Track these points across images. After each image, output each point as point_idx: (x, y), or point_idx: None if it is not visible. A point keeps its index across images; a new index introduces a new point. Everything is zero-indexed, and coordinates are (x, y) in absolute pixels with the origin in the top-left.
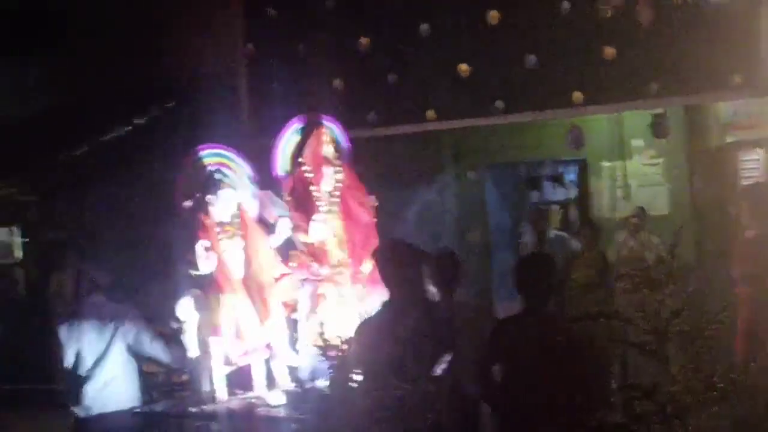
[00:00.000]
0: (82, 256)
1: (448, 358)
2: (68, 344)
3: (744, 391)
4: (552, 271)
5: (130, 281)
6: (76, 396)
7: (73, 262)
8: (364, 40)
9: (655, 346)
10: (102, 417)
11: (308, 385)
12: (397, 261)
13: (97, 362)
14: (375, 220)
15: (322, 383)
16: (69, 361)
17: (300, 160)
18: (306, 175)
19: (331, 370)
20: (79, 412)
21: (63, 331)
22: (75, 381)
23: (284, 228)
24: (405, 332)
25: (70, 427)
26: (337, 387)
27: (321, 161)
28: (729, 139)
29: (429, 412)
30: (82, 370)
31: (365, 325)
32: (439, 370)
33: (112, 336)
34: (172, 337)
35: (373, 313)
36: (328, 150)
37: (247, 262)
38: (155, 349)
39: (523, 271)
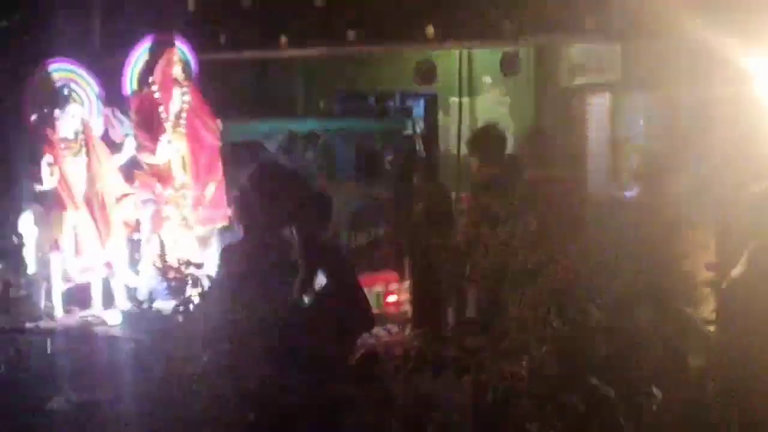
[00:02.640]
0: None
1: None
2: None
3: (580, 332)
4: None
5: None
6: None
7: None
8: None
9: (493, 283)
10: None
11: (146, 306)
12: (252, 204)
13: None
14: (220, 143)
15: (160, 304)
16: None
17: (149, 79)
18: (154, 95)
19: (169, 292)
20: None
21: None
22: None
23: (129, 147)
24: (252, 263)
25: None
26: (177, 308)
27: (170, 82)
28: (577, 81)
29: (265, 341)
30: None
31: (224, 251)
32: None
33: None
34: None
35: (233, 241)
36: (178, 71)
37: (91, 180)
38: None
39: None
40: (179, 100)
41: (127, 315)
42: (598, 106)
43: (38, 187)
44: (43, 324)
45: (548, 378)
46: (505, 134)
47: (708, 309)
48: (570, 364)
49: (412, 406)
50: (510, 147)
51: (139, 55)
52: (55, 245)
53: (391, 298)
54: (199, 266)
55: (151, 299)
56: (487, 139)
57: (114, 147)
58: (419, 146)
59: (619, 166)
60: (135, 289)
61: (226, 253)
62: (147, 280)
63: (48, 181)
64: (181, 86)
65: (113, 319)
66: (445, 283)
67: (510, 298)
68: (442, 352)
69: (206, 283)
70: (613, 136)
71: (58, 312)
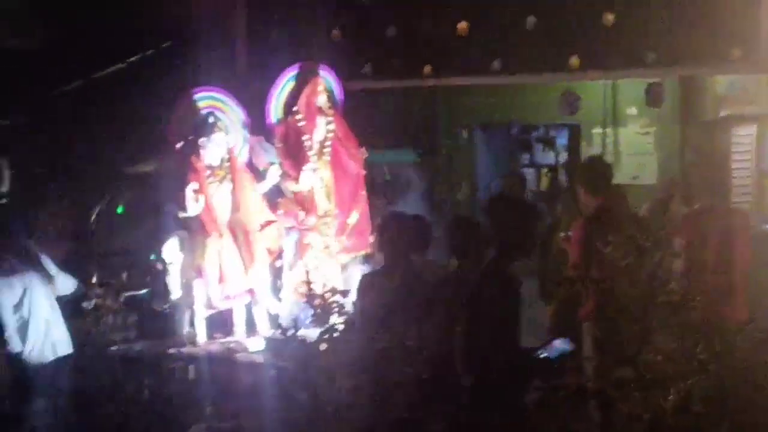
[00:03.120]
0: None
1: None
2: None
3: (725, 365)
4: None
5: (119, 220)
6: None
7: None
8: None
9: (640, 314)
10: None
11: (289, 333)
12: (393, 234)
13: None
14: (364, 172)
15: (304, 331)
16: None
17: (294, 108)
18: (299, 123)
19: (314, 319)
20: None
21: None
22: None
23: (273, 175)
24: (394, 291)
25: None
26: (322, 336)
27: (314, 110)
28: (723, 113)
29: (408, 367)
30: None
31: (364, 280)
32: (420, 328)
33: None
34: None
35: (372, 270)
36: (322, 100)
37: (235, 207)
38: (65, 285)
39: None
40: (324, 128)
41: (270, 342)
42: (744, 138)
43: (183, 214)
44: (186, 350)
45: (694, 412)
46: (611, 166)
47: None
48: (716, 398)
49: None
50: (654, 177)
51: (285, 83)
52: (199, 272)
53: None
54: (344, 294)
55: (295, 326)
56: (593, 170)
57: (258, 174)
58: (562, 178)
59: (765, 198)
60: (278, 316)
61: (366, 281)
62: (290, 308)
63: (193, 208)
64: (326, 115)
65: (256, 345)
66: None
67: (656, 329)
68: (586, 383)
69: (351, 311)
70: (760, 167)
71: (201, 338)
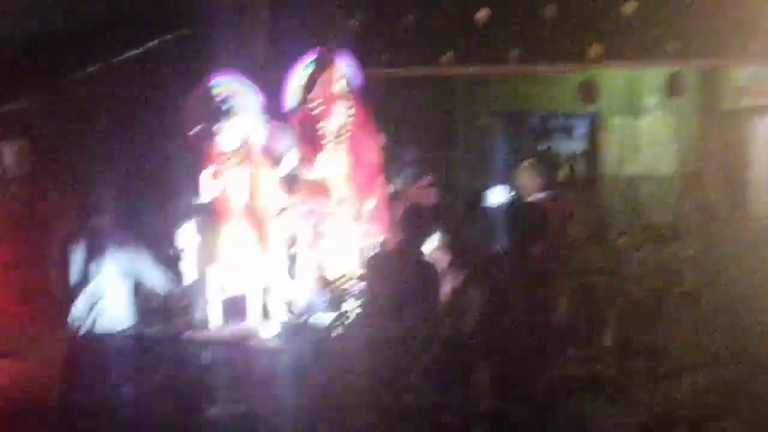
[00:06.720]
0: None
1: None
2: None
3: (742, 358)
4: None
5: (132, 206)
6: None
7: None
8: None
9: (655, 305)
10: (91, 337)
11: (302, 319)
12: (415, 223)
13: (84, 283)
14: (381, 159)
15: (318, 317)
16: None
17: (311, 94)
18: (316, 110)
19: (326, 305)
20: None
21: (60, 251)
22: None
23: (290, 161)
24: (405, 274)
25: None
26: (334, 322)
27: (332, 97)
28: (743, 104)
29: (420, 352)
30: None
31: (371, 262)
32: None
33: (103, 259)
34: (171, 262)
35: (379, 252)
36: (340, 86)
37: (251, 193)
38: (154, 275)
39: None
40: (340, 115)
41: (283, 327)
42: (763, 129)
43: (198, 200)
44: (200, 335)
45: (707, 403)
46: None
47: None
48: (730, 389)
49: (566, 427)
50: (672, 168)
51: (302, 69)
52: (213, 257)
53: None
54: (357, 280)
55: (308, 312)
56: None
57: (274, 161)
58: (580, 167)
59: None
60: (292, 301)
61: (376, 262)
62: (304, 294)
63: (208, 193)
64: (343, 102)
65: (270, 331)
66: (603, 303)
67: (671, 320)
68: (600, 373)
69: (364, 297)
70: None
71: (215, 323)
